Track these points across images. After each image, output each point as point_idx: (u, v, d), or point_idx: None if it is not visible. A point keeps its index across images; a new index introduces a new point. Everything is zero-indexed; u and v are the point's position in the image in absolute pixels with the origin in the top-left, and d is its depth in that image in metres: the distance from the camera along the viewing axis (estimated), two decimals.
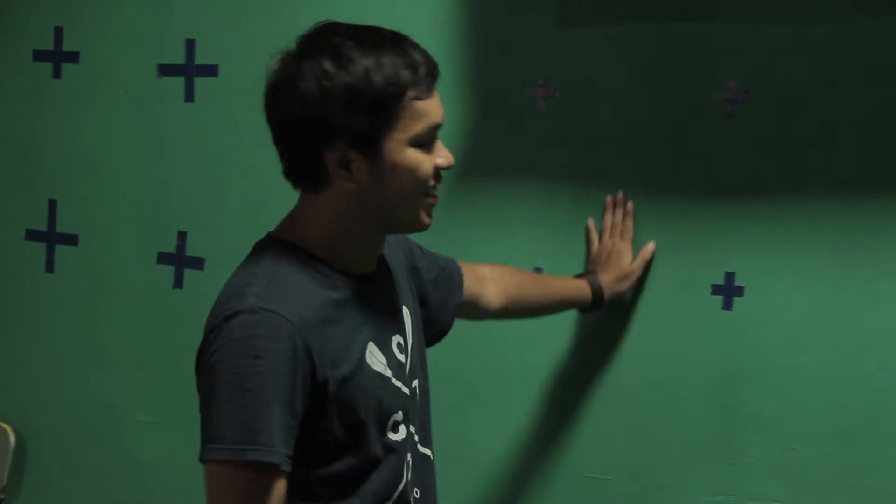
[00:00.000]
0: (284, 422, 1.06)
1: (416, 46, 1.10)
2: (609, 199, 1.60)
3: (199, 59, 1.82)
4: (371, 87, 1.05)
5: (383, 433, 1.15)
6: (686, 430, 1.52)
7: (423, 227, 1.16)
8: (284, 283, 1.09)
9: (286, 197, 1.13)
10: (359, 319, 1.14)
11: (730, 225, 1.46)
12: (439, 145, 1.13)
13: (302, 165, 1.11)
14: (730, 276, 1.47)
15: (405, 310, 1.25)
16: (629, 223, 1.61)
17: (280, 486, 1.06)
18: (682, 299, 1.58)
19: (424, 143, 1.11)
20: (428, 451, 1.26)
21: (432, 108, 1.10)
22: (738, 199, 1.46)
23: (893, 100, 1.42)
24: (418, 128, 1.09)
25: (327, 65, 1.05)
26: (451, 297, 1.37)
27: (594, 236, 1.63)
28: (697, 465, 1.52)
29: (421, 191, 1.12)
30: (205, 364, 1.07)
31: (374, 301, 1.18)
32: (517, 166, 1.65)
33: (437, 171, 1.12)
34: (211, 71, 1.82)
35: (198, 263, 1.80)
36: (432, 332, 1.34)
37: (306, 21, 1.10)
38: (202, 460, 1.05)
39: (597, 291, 1.58)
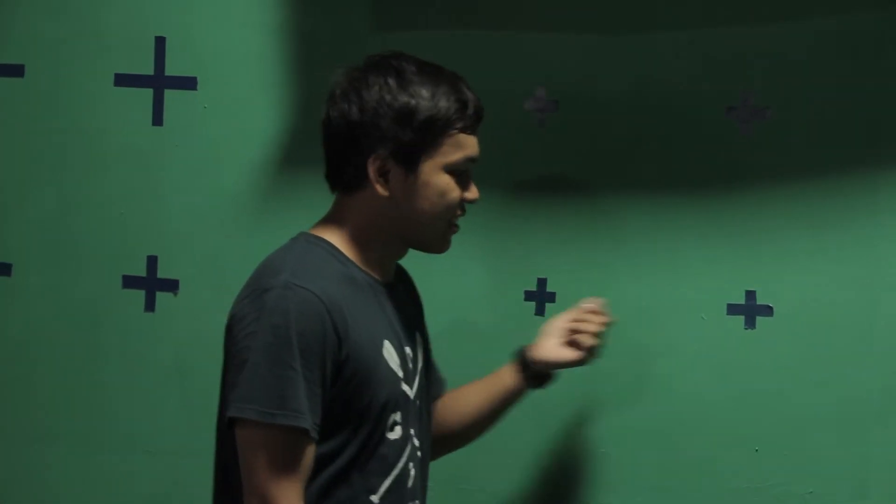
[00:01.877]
0: (312, 391, 1.11)
1: (469, 88, 1.20)
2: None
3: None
4: (423, 109, 1.15)
5: (383, 427, 1.19)
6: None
7: (441, 250, 1.25)
8: (313, 266, 1.16)
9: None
10: (376, 317, 1.20)
11: (541, 232, 1.48)
12: (470, 181, 1.23)
13: (345, 166, 1.19)
14: (542, 283, 1.49)
15: (418, 335, 1.31)
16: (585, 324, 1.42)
17: (309, 452, 1.12)
18: (497, 306, 1.58)
19: (458, 172, 1.20)
20: (420, 450, 1.28)
21: (472, 144, 1.20)
22: (549, 206, 1.49)
23: (695, 108, 1.48)
24: (456, 157, 1.19)
25: (391, 81, 1.16)
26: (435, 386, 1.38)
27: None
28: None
29: (446, 215, 1.21)
30: (237, 332, 1.12)
31: (391, 307, 1.24)
32: None
33: (463, 203, 1.21)
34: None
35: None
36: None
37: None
38: (230, 417, 1.10)
39: (522, 364, 1.41)
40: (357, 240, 1.23)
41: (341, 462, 1.20)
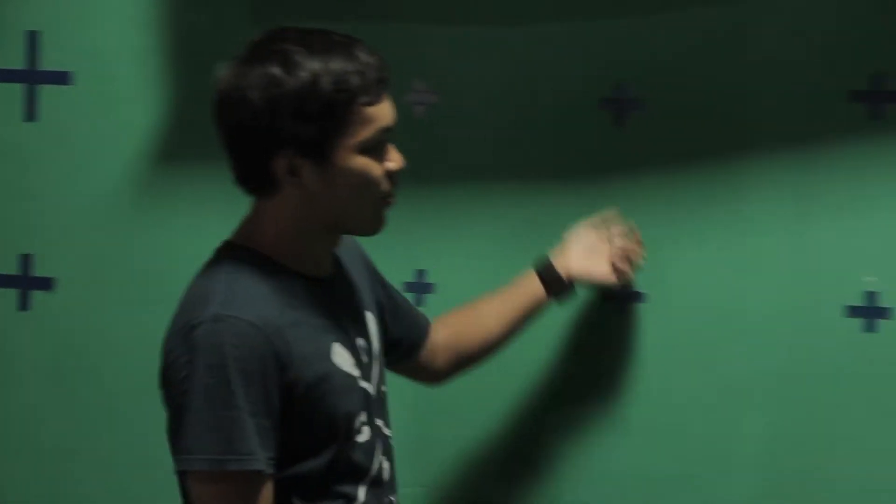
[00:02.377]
0: (261, 426, 1.07)
1: (365, 49, 1.11)
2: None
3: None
4: (319, 93, 1.07)
5: (351, 434, 1.17)
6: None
7: (376, 230, 1.19)
8: (245, 289, 1.10)
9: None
10: (320, 321, 1.16)
11: (420, 223, 1.50)
12: (390, 148, 1.15)
13: (252, 173, 1.12)
14: (421, 274, 1.52)
15: (368, 314, 1.27)
16: (614, 224, 1.49)
17: (267, 489, 1.10)
18: None
19: (374, 147, 1.12)
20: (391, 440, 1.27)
21: (382, 113, 1.12)
22: (429, 197, 1.52)
23: (580, 99, 1.52)
24: (367, 133, 1.11)
25: (275, 71, 1.07)
26: (411, 347, 1.38)
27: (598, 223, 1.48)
28: None
29: (372, 195, 1.15)
30: (171, 378, 1.08)
31: (334, 303, 1.20)
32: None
33: (389, 175, 1.14)
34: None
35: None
36: (396, 352, 1.35)
37: None
38: (180, 471, 1.07)
39: (548, 273, 1.45)
40: (284, 242, 1.18)
41: (315, 480, 1.18)
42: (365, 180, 1.14)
